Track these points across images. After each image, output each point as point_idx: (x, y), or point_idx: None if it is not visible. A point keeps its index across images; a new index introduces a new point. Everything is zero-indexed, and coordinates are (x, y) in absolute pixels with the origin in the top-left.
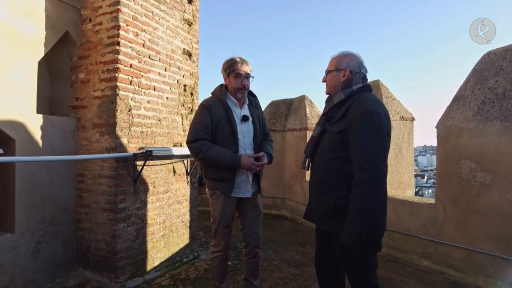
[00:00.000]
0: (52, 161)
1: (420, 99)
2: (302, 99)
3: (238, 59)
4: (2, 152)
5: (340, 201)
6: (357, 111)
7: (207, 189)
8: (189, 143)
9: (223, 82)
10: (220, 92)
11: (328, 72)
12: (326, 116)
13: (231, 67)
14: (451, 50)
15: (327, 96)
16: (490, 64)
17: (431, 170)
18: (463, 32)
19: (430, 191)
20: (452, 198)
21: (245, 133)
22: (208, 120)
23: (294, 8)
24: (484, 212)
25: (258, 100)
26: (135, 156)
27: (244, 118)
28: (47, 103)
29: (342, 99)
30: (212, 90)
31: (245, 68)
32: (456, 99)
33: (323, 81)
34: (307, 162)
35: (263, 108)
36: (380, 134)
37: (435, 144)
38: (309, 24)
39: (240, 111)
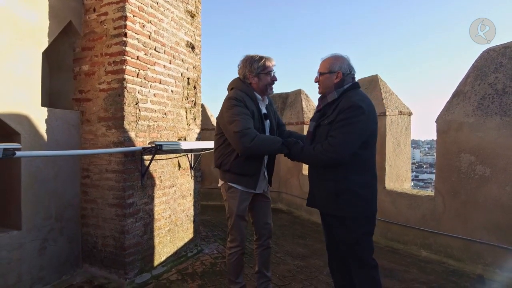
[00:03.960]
0: (67, 155)
1: (403, 95)
2: (298, 93)
3: (264, 57)
4: (20, 146)
5: (340, 185)
6: (344, 105)
7: (221, 183)
8: (242, 131)
9: (227, 76)
10: (247, 88)
11: (321, 74)
12: (320, 112)
13: (262, 67)
14: (428, 49)
15: (320, 94)
16: (489, 61)
17: (414, 163)
18: (445, 31)
19: (412, 183)
20: (452, 190)
21: (266, 130)
22: (246, 110)
23: (289, 1)
24: (483, 203)
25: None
26: (144, 150)
27: (265, 116)
28: (47, 95)
29: (336, 98)
30: (209, 83)
31: (273, 63)
32: (456, 95)
33: (316, 82)
34: None
35: None
36: (354, 127)
37: (417, 138)
38: (305, 17)
39: (262, 109)
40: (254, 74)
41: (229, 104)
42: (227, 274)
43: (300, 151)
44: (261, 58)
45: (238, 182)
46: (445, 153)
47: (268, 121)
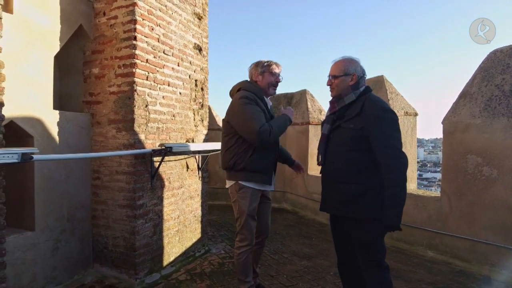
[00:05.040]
0: (80, 158)
1: (407, 93)
2: (303, 93)
3: (273, 61)
4: (37, 150)
5: (360, 188)
6: (374, 110)
7: (230, 184)
8: (261, 128)
9: (229, 76)
10: (256, 89)
11: (335, 77)
12: (335, 115)
13: (267, 66)
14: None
15: (334, 97)
16: (496, 62)
17: (417, 162)
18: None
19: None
20: (458, 191)
21: None
22: (260, 109)
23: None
24: (490, 204)
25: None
26: (154, 152)
27: (270, 116)
28: (57, 98)
29: (354, 99)
30: (212, 83)
31: (279, 67)
32: (462, 96)
33: (328, 85)
34: (320, 158)
35: None
36: (398, 127)
37: (421, 136)
38: (308, 16)
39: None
40: (259, 72)
41: (241, 103)
42: (237, 274)
43: (396, 197)
44: (269, 61)
45: (252, 180)
46: (452, 154)
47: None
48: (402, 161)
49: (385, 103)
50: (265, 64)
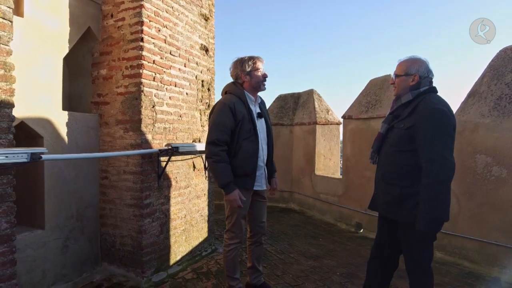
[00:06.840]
0: (88, 158)
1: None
2: (310, 93)
3: (254, 56)
4: (46, 150)
5: (405, 191)
6: (424, 110)
7: None
8: (210, 143)
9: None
10: (239, 91)
11: (397, 76)
12: (393, 115)
13: (252, 65)
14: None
15: (395, 96)
16: (506, 60)
17: None
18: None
19: None
20: (467, 191)
21: (260, 129)
22: (231, 121)
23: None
24: (500, 205)
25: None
26: (161, 152)
27: (259, 115)
28: (66, 99)
29: (410, 99)
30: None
31: (262, 61)
32: (471, 95)
33: (391, 83)
34: (375, 157)
35: (270, 102)
36: (447, 129)
37: None
38: (315, 14)
39: (255, 108)
40: (246, 73)
41: (218, 108)
42: (226, 271)
43: (426, 201)
44: (250, 57)
45: (237, 184)
46: (460, 153)
47: (262, 119)
48: (441, 168)
49: (443, 104)
50: (250, 63)
